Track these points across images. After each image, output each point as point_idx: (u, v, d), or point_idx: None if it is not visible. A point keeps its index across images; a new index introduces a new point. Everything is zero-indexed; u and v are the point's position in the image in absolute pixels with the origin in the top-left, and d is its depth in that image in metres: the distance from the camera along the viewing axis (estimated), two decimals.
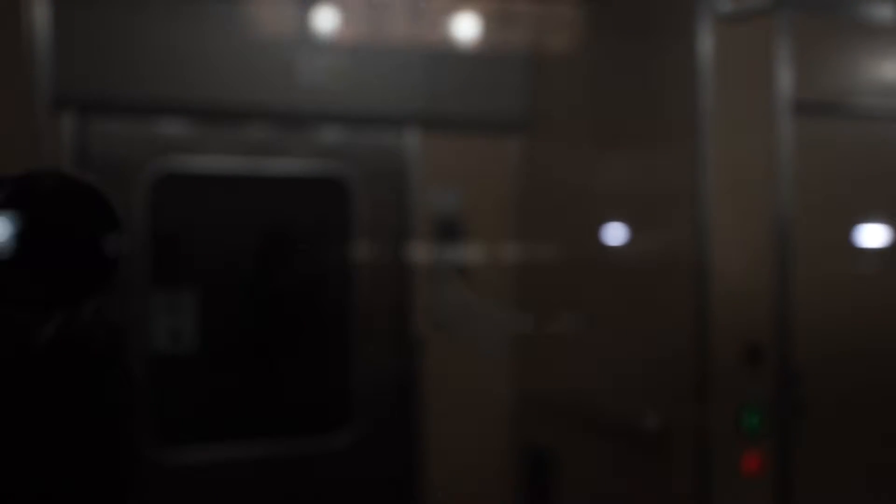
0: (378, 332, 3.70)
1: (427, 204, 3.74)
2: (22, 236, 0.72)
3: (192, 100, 3.43)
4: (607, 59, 3.47)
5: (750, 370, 2.99)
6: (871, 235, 3.21)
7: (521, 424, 3.85)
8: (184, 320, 3.48)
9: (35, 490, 0.82)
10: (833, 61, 3.18)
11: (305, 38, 3.52)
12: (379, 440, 3.72)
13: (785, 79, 3.04)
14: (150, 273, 3.40)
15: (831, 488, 3.11)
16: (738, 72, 3.02)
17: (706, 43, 2.96)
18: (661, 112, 3.17)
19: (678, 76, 3.05)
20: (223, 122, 3.53)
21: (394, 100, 3.66)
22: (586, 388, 3.48)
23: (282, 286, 3.75)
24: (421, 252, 3.73)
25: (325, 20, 3.51)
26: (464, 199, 3.78)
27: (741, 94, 3.04)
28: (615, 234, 3.36)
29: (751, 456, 2.99)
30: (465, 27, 3.65)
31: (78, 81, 3.24)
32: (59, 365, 0.81)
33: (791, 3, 3.03)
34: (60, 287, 0.74)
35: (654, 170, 3.18)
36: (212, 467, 3.52)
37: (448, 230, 3.74)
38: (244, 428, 3.62)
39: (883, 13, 3.20)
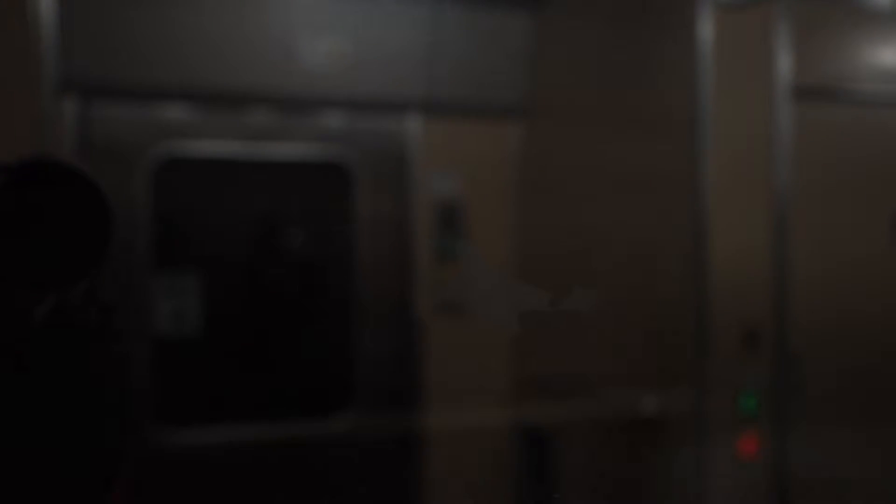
0: (379, 316, 3.72)
1: (428, 188, 3.75)
2: (14, 222, 0.75)
3: (195, 84, 3.45)
4: (608, 44, 3.47)
5: (747, 354, 3.00)
6: (869, 220, 3.22)
7: (522, 406, 3.87)
8: (186, 303, 3.51)
9: (28, 469, 0.84)
10: (832, 47, 3.19)
11: (307, 22, 3.53)
12: (379, 423, 3.74)
13: (784, 64, 3.04)
14: (153, 256, 3.42)
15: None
16: (737, 57, 3.03)
17: (706, 29, 2.97)
18: (662, 97, 3.18)
19: (678, 62, 3.06)
20: (225, 106, 3.55)
21: (395, 84, 3.67)
22: (585, 372, 3.49)
23: (284, 269, 3.77)
24: (422, 236, 3.74)
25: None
26: (465, 183, 3.79)
27: (741, 79, 3.05)
28: (615, 219, 3.37)
29: (747, 439, 3.01)
30: None
31: (80, 66, 3.26)
32: (52, 344, 0.83)
33: None
34: (52, 271, 0.76)
35: (654, 155, 3.19)
36: (212, 448, 3.55)
37: (449, 214, 3.76)
38: (246, 410, 3.64)
39: None
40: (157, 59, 3.36)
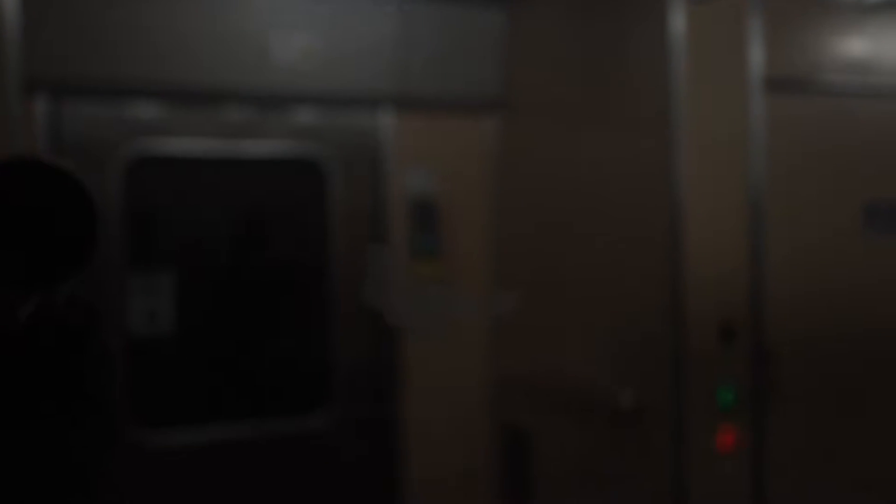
0: (356, 314, 3.71)
1: (403, 184, 3.74)
2: None
3: (167, 81, 3.42)
4: (580, 38, 3.48)
5: (724, 348, 3.02)
6: (842, 210, 3.24)
7: (501, 405, 3.88)
8: (161, 302, 3.48)
9: (11, 471, 0.83)
10: (804, 39, 3.20)
11: (279, 18, 3.51)
12: (358, 422, 3.73)
13: (756, 56, 3.06)
14: (127, 255, 3.40)
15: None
16: (709, 50, 3.04)
17: (678, 22, 2.98)
18: (635, 91, 3.19)
19: (651, 55, 3.06)
20: (198, 103, 3.52)
21: (368, 80, 3.66)
22: (563, 368, 3.50)
23: (259, 268, 3.75)
24: (397, 232, 3.73)
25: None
26: (439, 178, 3.79)
27: (713, 72, 3.06)
28: (590, 213, 3.37)
29: (725, 432, 3.02)
30: None
31: (50, 64, 3.22)
32: (35, 346, 0.82)
33: None
34: (36, 271, 0.75)
35: (628, 149, 3.19)
36: (190, 449, 3.53)
37: (424, 209, 3.75)
38: (223, 410, 3.63)
39: None
40: (128, 56, 3.33)
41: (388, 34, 3.64)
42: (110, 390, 0.92)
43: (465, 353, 3.86)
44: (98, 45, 3.28)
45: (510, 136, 3.81)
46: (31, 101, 3.20)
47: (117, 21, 3.31)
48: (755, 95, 3.06)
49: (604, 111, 3.34)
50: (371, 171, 3.72)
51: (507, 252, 3.81)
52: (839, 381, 3.23)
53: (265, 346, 3.73)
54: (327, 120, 3.67)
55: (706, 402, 2.99)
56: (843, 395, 3.24)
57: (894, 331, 3.29)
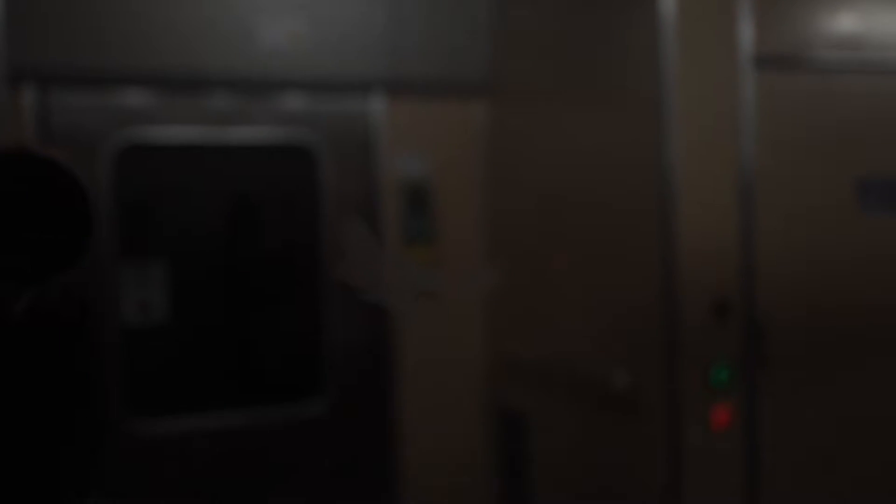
0: (349, 299, 3.70)
1: (394, 169, 3.73)
2: None
3: (155, 69, 3.40)
4: (570, 18, 3.46)
5: (718, 325, 3.02)
6: (834, 186, 3.24)
7: (495, 387, 3.88)
8: (153, 291, 3.47)
9: (6, 464, 0.83)
10: (794, 15, 3.20)
11: (266, 2, 3.49)
12: (352, 408, 3.73)
13: (747, 34, 3.05)
14: (117, 245, 3.38)
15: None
16: (699, 28, 3.03)
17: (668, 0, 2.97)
18: (625, 70, 3.18)
19: (640, 33, 3.05)
20: (186, 91, 3.50)
21: (358, 64, 3.64)
22: (557, 348, 3.50)
23: (251, 255, 3.74)
24: (389, 218, 3.73)
25: None
26: (432, 163, 3.77)
27: (704, 50, 3.05)
28: (582, 195, 3.37)
29: (720, 410, 3.03)
30: None
31: (36, 53, 3.20)
32: (28, 338, 0.81)
33: None
34: (31, 263, 0.74)
35: (619, 128, 3.19)
36: (185, 438, 3.52)
37: (416, 195, 3.74)
38: (217, 398, 3.62)
39: None
40: (115, 44, 3.30)
41: (378, 18, 3.62)
42: (97, 380, 0.92)
43: (460, 336, 3.86)
44: (84, 34, 3.26)
45: (501, 119, 3.80)
46: (18, 91, 3.18)
47: (103, 9, 3.28)
48: (746, 73, 3.06)
49: (594, 91, 3.33)
50: (362, 156, 3.71)
51: (500, 235, 3.80)
52: (833, 357, 3.24)
53: (258, 333, 3.72)
54: (317, 105, 3.66)
55: (700, 380, 2.99)
56: (838, 370, 3.25)
57: (887, 305, 3.30)
